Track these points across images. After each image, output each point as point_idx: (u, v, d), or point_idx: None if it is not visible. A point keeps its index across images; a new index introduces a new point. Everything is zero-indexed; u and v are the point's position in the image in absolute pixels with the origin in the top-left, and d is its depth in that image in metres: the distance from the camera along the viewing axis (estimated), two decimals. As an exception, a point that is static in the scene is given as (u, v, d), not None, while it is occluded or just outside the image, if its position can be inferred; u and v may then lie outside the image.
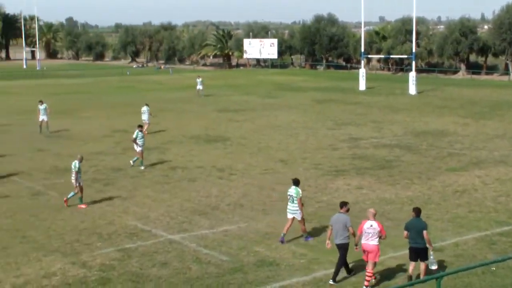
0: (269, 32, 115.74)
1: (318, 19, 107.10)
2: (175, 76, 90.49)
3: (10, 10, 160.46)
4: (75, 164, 22.87)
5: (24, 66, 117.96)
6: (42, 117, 39.49)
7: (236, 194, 24.51)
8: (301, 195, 18.80)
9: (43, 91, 67.50)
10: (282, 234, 18.83)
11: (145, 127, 38.50)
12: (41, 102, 40.18)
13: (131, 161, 29.54)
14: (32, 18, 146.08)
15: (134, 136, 29.28)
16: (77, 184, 22.87)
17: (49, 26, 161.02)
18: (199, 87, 61.02)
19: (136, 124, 42.43)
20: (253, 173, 28.21)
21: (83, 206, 22.75)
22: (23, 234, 19.77)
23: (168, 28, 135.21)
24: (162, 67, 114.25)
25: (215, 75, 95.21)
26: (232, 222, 20.91)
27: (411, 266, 15.79)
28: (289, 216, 18.86)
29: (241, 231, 19.93)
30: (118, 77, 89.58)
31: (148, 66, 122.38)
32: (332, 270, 16.02)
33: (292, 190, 18.77)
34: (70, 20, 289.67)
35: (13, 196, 24.39)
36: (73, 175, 22.84)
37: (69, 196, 22.94)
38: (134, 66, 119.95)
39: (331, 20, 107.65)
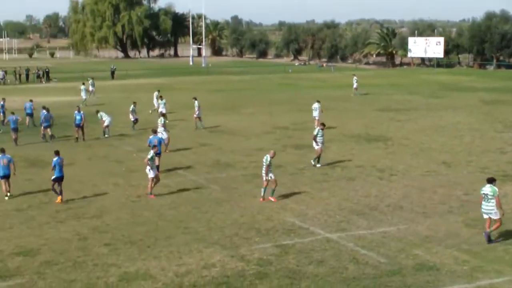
0: (436, 30, 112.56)
1: (490, 16, 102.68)
2: (337, 74, 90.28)
3: (179, 9, 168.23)
4: (266, 158, 23.20)
5: (191, 63, 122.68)
6: (196, 114, 40.67)
7: (396, 195, 23.93)
8: (498, 193, 18.22)
9: (207, 88, 69.85)
10: (488, 231, 18.35)
11: (315, 123, 38.94)
12: (195, 99, 41.49)
13: (312, 161, 29.28)
14: (199, 16, 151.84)
15: (314, 133, 29.13)
16: (268, 178, 23.14)
17: (215, 24, 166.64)
18: (355, 85, 60.67)
19: (298, 121, 42.95)
20: (414, 174, 27.44)
21: (272, 199, 23.07)
22: (185, 225, 20.44)
23: (331, 26, 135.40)
24: (324, 65, 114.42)
25: (377, 73, 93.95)
26: (391, 224, 20.42)
27: None
28: (485, 216, 18.49)
29: (400, 233, 19.41)
30: (280, 75, 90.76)
31: (310, 64, 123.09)
32: (498, 280, 15.19)
33: (488, 189, 18.22)
34: (235, 18, 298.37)
35: (178, 188, 25.29)
36: (264, 169, 23.18)
37: (262, 194, 23.36)
38: (296, 64, 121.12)
39: (504, 17, 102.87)
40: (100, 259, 17.41)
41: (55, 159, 23.52)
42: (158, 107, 44.61)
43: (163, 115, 34.55)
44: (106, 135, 37.62)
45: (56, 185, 23.40)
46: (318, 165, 28.79)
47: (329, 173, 27.71)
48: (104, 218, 21.35)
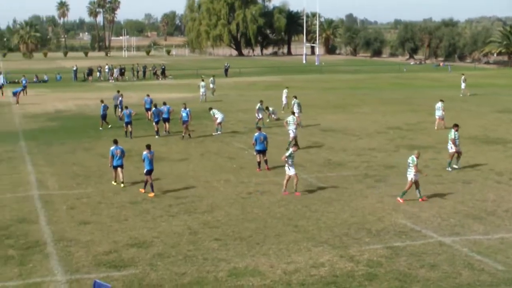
0: None
1: None
2: (454, 74, 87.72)
3: (293, 7, 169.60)
4: (412, 159, 22.78)
5: (304, 61, 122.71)
6: (296, 113, 40.21)
7: (515, 200, 22.90)
8: None
9: (320, 86, 69.64)
10: None
11: (439, 123, 38.55)
12: (295, 97, 41.15)
13: (455, 166, 28.25)
14: (314, 15, 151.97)
15: (452, 136, 27.93)
16: (411, 179, 22.75)
17: (329, 22, 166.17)
18: (463, 85, 58.72)
19: (411, 121, 42.03)
20: (535, 179, 26.16)
21: (401, 200, 22.75)
22: (295, 224, 20.37)
23: (449, 24, 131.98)
24: (441, 64, 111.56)
25: (498, 73, 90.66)
26: (510, 230, 19.52)
27: None
28: None
29: (519, 240, 18.55)
30: (394, 74, 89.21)
31: (426, 63, 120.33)
32: None
33: None
34: (350, 16, 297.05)
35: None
36: (413, 169, 22.69)
37: (419, 195, 22.93)
38: (412, 63, 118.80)
39: None
40: (210, 254, 17.64)
41: (144, 152, 24.15)
42: (287, 104, 44.74)
43: (293, 113, 34.64)
44: (218, 132, 38.13)
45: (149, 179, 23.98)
46: (448, 169, 27.73)
47: (444, 175, 26.88)
48: (215, 213, 21.63)
